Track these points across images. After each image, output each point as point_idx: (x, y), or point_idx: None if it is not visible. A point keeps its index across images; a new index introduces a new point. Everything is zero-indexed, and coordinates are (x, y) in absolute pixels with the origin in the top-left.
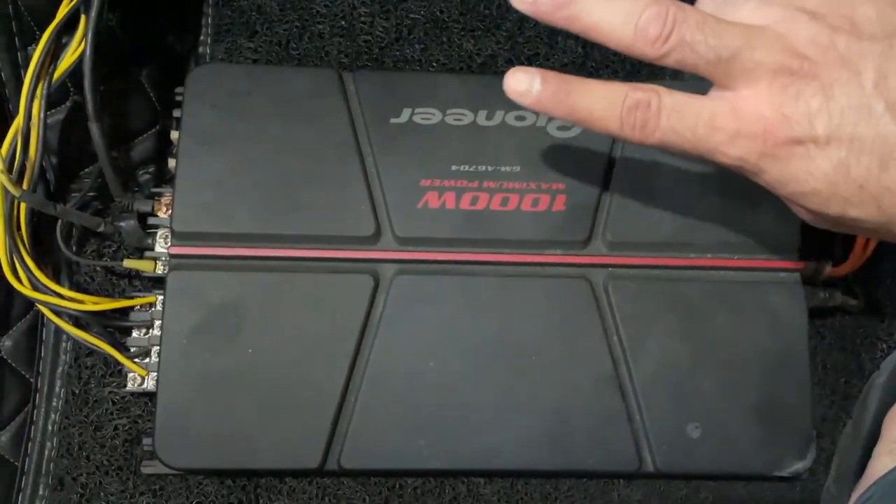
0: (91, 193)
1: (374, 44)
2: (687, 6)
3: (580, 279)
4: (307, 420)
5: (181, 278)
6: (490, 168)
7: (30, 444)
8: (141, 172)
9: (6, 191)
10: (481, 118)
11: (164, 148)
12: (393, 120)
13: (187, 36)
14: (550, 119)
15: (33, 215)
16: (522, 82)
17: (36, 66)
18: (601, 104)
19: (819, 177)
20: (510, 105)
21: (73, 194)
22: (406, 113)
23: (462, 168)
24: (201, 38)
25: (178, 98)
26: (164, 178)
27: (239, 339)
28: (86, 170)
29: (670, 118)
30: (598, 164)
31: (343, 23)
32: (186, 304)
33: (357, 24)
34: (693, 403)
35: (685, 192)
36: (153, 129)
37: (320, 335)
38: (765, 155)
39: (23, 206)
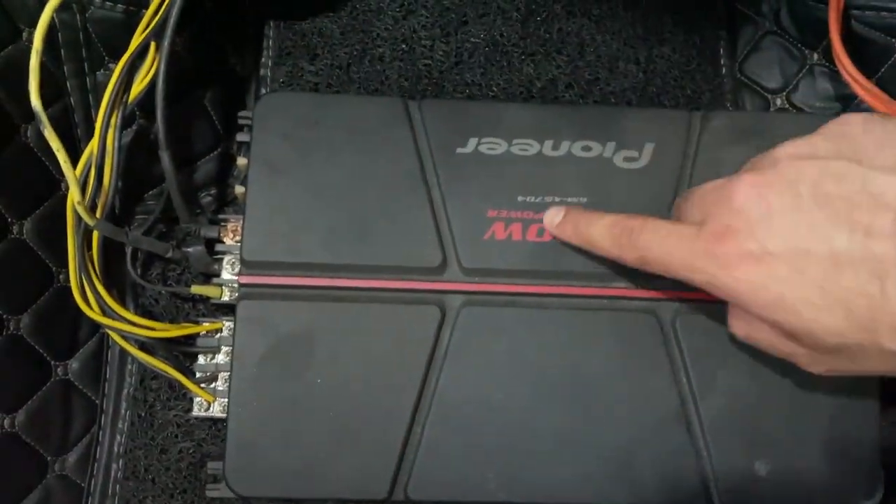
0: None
1: (434, 67)
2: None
3: (648, 314)
4: (375, 450)
5: (251, 307)
6: (557, 199)
7: (96, 465)
8: (203, 194)
9: (77, 218)
10: (547, 148)
11: (227, 170)
12: (459, 150)
13: (248, 59)
14: (617, 150)
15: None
16: (552, 215)
17: (111, 95)
18: (600, 230)
19: (790, 288)
20: (576, 135)
21: (137, 216)
22: (472, 143)
23: (528, 199)
24: (262, 60)
25: (242, 122)
26: (226, 200)
27: (308, 368)
28: (149, 192)
29: (648, 239)
30: (663, 197)
31: (404, 46)
32: (256, 333)
33: (417, 48)
34: (760, 441)
35: None
36: (215, 152)
37: (388, 365)
38: (722, 272)
39: (95, 233)
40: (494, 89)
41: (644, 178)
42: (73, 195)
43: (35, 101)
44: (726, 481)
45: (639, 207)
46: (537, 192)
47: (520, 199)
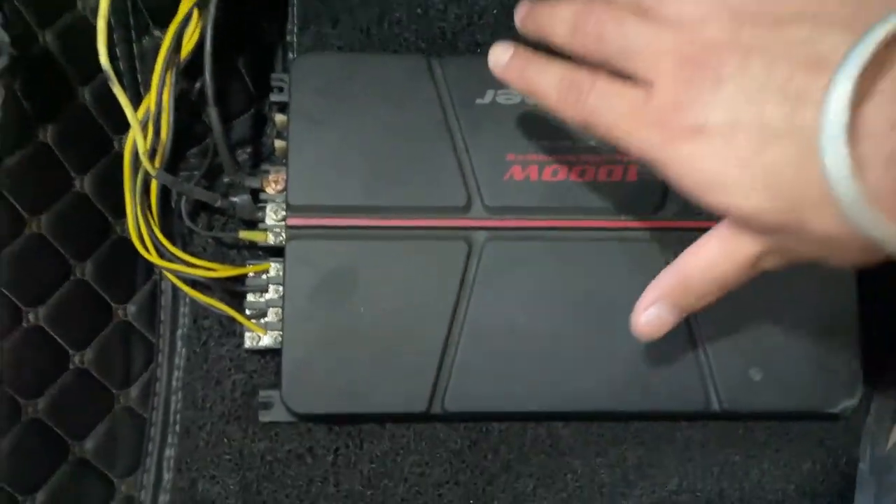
0: (195, 172)
1: (447, 29)
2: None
3: (653, 242)
4: (413, 369)
5: (299, 247)
6: (568, 143)
7: (156, 399)
8: (239, 152)
9: (134, 170)
10: None
11: (260, 128)
12: (478, 101)
13: (274, 25)
14: None
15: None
16: (497, 53)
17: (165, 56)
18: (548, 80)
19: (717, 163)
20: None
21: (181, 172)
22: (490, 94)
23: (543, 143)
24: (288, 27)
25: (274, 83)
26: (261, 156)
27: (351, 298)
28: (190, 150)
29: (596, 101)
30: None
31: (419, 10)
32: (305, 270)
33: (431, 11)
34: (754, 350)
35: None
36: (249, 112)
37: (422, 294)
38: (664, 145)
39: (154, 183)
40: None
41: None
42: (140, 146)
43: (104, 60)
44: (725, 386)
45: None
46: (550, 137)
47: (535, 143)
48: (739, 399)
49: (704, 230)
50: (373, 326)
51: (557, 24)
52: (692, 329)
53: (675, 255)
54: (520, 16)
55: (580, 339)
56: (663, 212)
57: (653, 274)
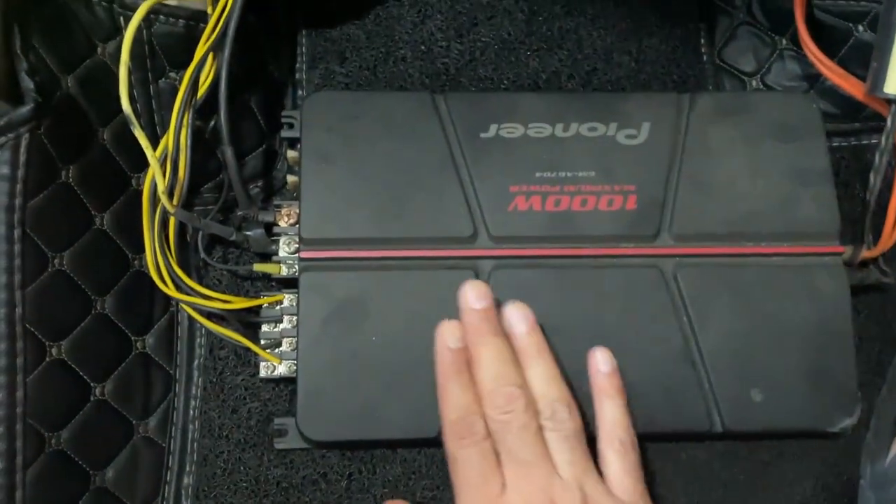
0: (209, 207)
1: (450, 65)
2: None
3: (652, 268)
4: (424, 396)
5: (312, 278)
6: (569, 174)
7: (173, 428)
8: (251, 186)
9: (153, 207)
10: (559, 130)
11: (271, 164)
12: (482, 135)
13: (284, 65)
14: (619, 129)
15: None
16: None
17: (182, 98)
18: (453, 401)
19: None
20: (583, 117)
21: (196, 207)
22: (493, 128)
23: (545, 175)
24: (297, 65)
25: (285, 120)
26: (272, 190)
27: (363, 327)
28: (204, 186)
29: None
30: (662, 166)
31: (423, 48)
32: (318, 300)
33: (435, 49)
34: (754, 372)
35: (741, 187)
36: (260, 148)
37: (431, 322)
38: None
39: (172, 220)
40: (505, 82)
41: (643, 152)
42: (159, 185)
43: (125, 104)
44: (726, 407)
45: (639, 178)
46: (552, 168)
47: (537, 174)
48: (741, 420)
49: (701, 256)
50: (384, 354)
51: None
52: (692, 351)
53: (674, 279)
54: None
55: (582, 362)
56: (661, 239)
57: (652, 299)
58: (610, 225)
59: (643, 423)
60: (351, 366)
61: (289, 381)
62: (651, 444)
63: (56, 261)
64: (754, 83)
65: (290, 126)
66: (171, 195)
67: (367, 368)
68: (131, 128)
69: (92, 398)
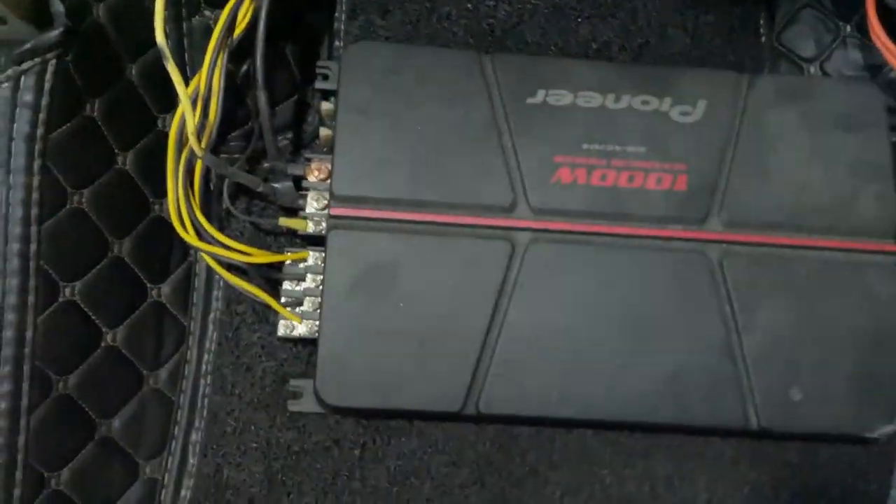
0: (235, 156)
1: (496, 26)
2: None
3: (698, 253)
4: (450, 368)
5: (341, 237)
6: (618, 148)
7: (185, 382)
8: (280, 138)
9: (179, 149)
10: (609, 101)
11: (302, 115)
12: (528, 100)
13: (322, 13)
14: (673, 105)
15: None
16: None
17: (217, 39)
18: None
19: None
20: (636, 90)
21: (221, 155)
22: (540, 94)
23: (592, 147)
24: (336, 15)
25: (320, 71)
26: (301, 143)
27: (391, 293)
28: (232, 133)
29: None
30: (716, 148)
31: (469, 6)
32: (345, 261)
33: (482, 7)
34: (796, 370)
35: (797, 176)
36: (292, 98)
37: (462, 293)
38: None
39: (198, 164)
40: (553, 48)
41: (697, 131)
42: (189, 125)
43: (160, 37)
44: (764, 404)
45: (691, 157)
46: (600, 141)
47: (584, 146)
48: (778, 418)
49: (750, 244)
50: (411, 322)
51: None
52: (733, 344)
53: (720, 267)
54: None
55: (618, 348)
56: (709, 223)
57: (695, 286)
58: (657, 204)
59: (675, 414)
60: (375, 331)
61: (307, 342)
62: (676, 436)
63: (75, 197)
64: (813, 70)
65: (325, 77)
66: (199, 138)
67: (391, 335)
68: (164, 62)
69: (103, 344)
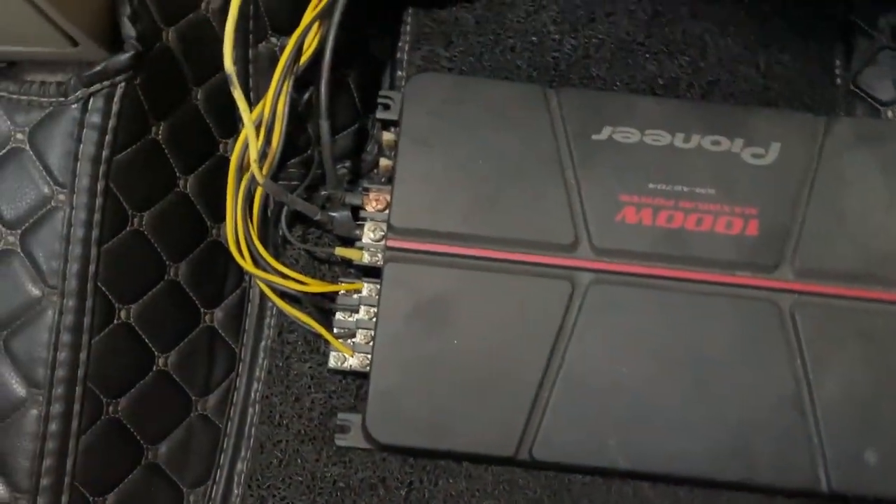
0: (293, 182)
1: (561, 60)
2: None
3: (768, 303)
4: (504, 411)
5: (396, 269)
6: (686, 189)
7: (232, 409)
8: (339, 167)
9: (239, 175)
10: (678, 140)
11: (362, 144)
12: (594, 136)
13: (386, 41)
14: (745, 146)
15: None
16: None
17: (285, 64)
18: None
19: None
20: (706, 129)
21: (279, 182)
22: (607, 130)
23: (659, 186)
24: (399, 44)
25: (382, 101)
26: (360, 172)
27: (446, 329)
28: (292, 160)
29: None
30: (790, 192)
31: (534, 38)
32: (401, 294)
33: (547, 41)
34: (872, 430)
35: (874, 224)
36: (353, 127)
37: (519, 332)
38: None
39: (258, 190)
40: (618, 84)
41: (770, 174)
42: (252, 151)
43: (228, 63)
44: (836, 466)
45: (763, 201)
46: (668, 181)
47: (651, 186)
48: (850, 481)
49: (824, 295)
50: (465, 361)
51: None
52: (805, 400)
53: (792, 318)
54: None
55: (681, 398)
56: (781, 271)
57: (765, 336)
58: (726, 249)
59: (739, 471)
60: (428, 368)
61: (357, 375)
62: (738, 494)
63: (136, 220)
64: (890, 114)
65: (387, 107)
66: (260, 165)
67: (445, 373)
68: (231, 88)
69: (154, 368)
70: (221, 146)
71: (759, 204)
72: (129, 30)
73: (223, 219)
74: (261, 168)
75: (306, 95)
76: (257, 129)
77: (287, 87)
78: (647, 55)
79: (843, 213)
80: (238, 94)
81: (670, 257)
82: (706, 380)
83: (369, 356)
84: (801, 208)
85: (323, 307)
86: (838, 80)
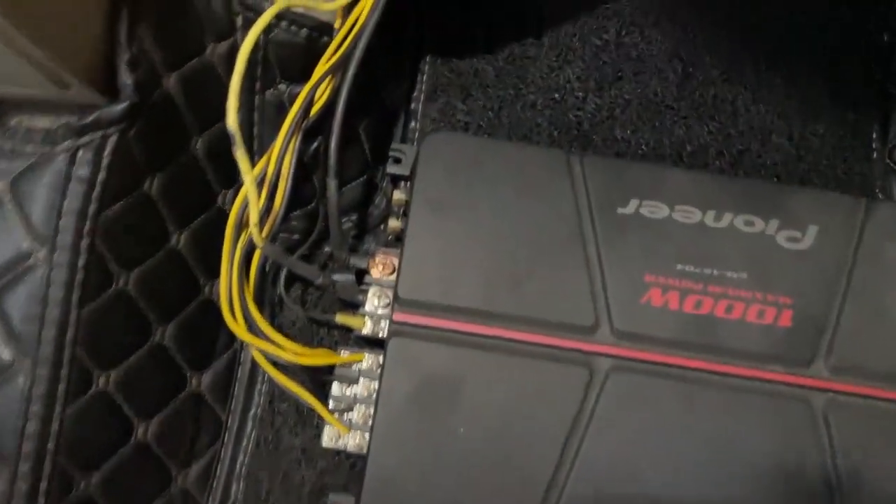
0: (295, 236)
1: (584, 119)
2: None
3: (800, 401)
4: None
5: (402, 346)
6: (716, 272)
7: (215, 482)
8: (345, 220)
9: (237, 234)
10: (709, 218)
11: (370, 198)
12: (619, 210)
13: (400, 91)
14: (780, 228)
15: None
16: None
17: (294, 119)
18: None
19: None
20: (740, 208)
21: (280, 234)
22: (633, 204)
23: (688, 268)
24: (414, 94)
25: (393, 154)
26: (366, 227)
27: (452, 414)
28: (294, 212)
29: None
30: (828, 282)
31: (556, 96)
32: (404, 372)
33: (570, 99)
34: None
35: None
36: (361, 178)
37: (531, 422)
38: None
39: (257, 253)
40: (644, 148)
41: (806, 260)
42: (253, 216)
43: (232, 122)
44: None
45: (798, 290)
46: (697, 262)
47: (679, 267)
48: None
49: (860, 396)
50: (471, 450)
51: None
52: None
53: (824, 419)
54: None
55: (703, 500)
56: (815, 368)
57: (795, 437)
58: (757, 340)
59: None
60: (431, 456)
61: (353, 456)
62: None
63: (121, 280)
64: None
65: (398, 161)
66: (261, 225)
67: (448, 462)
68: (234, 149)
69: (132, 440)
70: (220, 198)
71: (793, 292)
72: (126, 77)
73: (217, 275)
74: (261, 230)
75: (314, 145)
76: (259, 185)
77: (294, 143)
78: (676, 119)
79: (883, 306)
80: (241, 154)
81: (697, 346)
82: (731, 480)
83: (367, 436)
84: (837, 299)
85: (319, 378)
86: (874, 154)
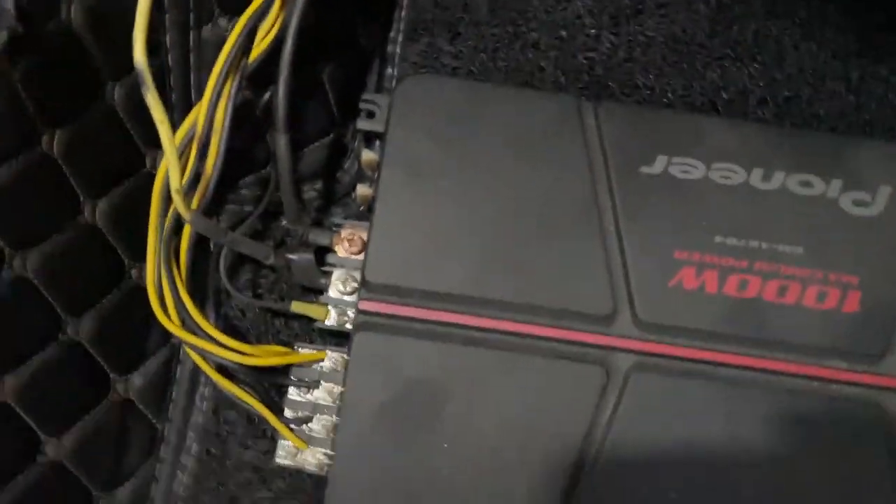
0: (247, 207)
1: (597, 62)
2: None
3: (869, 404)
4: None
5: (370, 341)
6: (764, 245)
7: None
8: (307, 188)
9: (164, 207)
10: (755, 178)
11: (337, 161)
12: (643, 169)
13: (374, 29)
14: (844, 190)
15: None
16: None
17: (227, 59)
18: None
19: None
20: (793, 165)
21: (228, 205)
22: (660, 162)
23: (729, 241)
24: (391, 35)
25: (365, 106)
26: (334, 197)
27: (433, 426)
28: (245, 179)
29: None
30: None
31: (563, 33)
32: (374, 375)
33: (580, 37)
34: None
35: None
36: (327, 138)
37: (534, 436)
38: None
39: (187, 228)
40: (670, 96)
41: (877, 229)
42: (173, 181)
43: (139, 56)
44: None
45: (867, 267)
46: (741, 234)
47: (718, 239)
48: None
49: None
50: (457, 471)
51: None
52: None
53: None
54: None
55: None
56: (886, 363)
57: (863, 446)
58: (815, 330)
59: None
60: (408, 478)
61: (313, 477)
62: None
63: (16, 262)
64: None
65: (371, 115)
66: (191, 192)
67: (430, 490)
68: (143, 90)
69: (41, 459)
70: (148, 160)
71: (861, 270)
72: (5, 2)
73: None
74: (189, 199)
75: (267, 95)
76: (188, 145)
77: (230, 87)
78: (709, 60)
79: None
80: (152, 98)
81: (739, 338)
82: (780, 500)
83: (329, 453)
84: None
85: (272, 380)
86: None
